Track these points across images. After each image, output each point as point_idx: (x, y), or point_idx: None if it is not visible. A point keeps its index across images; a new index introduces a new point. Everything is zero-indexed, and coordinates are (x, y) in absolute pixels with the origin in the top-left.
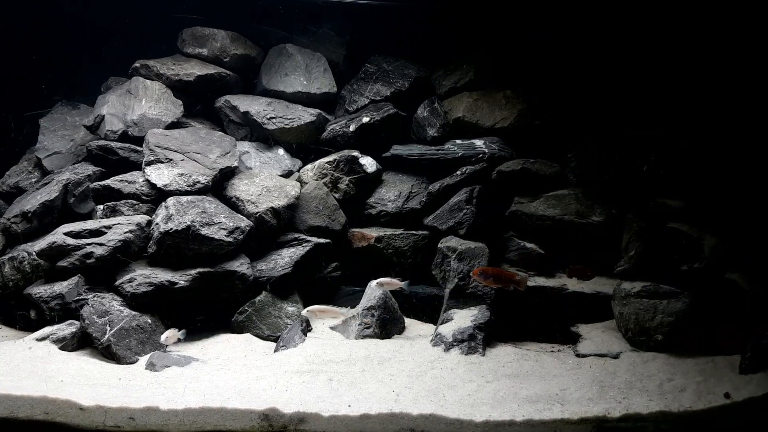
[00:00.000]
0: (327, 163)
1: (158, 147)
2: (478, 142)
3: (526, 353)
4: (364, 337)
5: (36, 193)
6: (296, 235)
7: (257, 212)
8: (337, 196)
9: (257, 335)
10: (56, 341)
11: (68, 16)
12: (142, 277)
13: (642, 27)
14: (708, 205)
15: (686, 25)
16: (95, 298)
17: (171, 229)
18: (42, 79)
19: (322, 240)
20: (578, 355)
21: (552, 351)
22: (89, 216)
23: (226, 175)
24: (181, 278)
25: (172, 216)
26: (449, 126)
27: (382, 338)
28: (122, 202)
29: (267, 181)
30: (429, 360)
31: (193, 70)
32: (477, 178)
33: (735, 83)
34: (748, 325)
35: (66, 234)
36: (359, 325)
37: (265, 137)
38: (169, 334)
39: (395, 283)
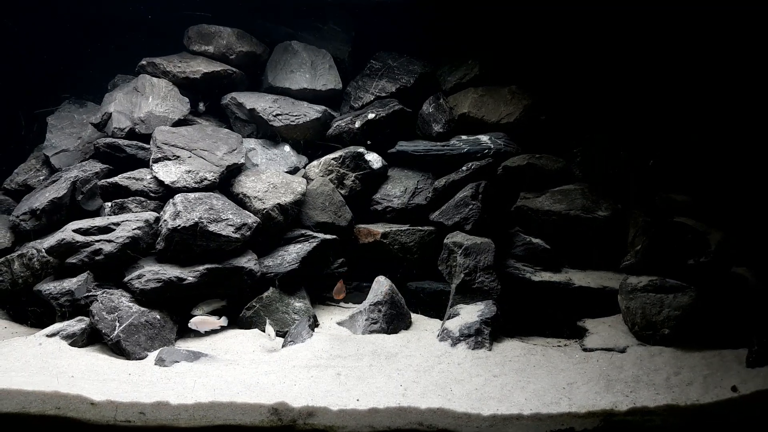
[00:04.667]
0: (333, 159)
1: (165, 144)
2: (484, 138)
3: (532, 348)
4: (371, 332)
5: (44, 190)
6: (303, 231)
7: (264, 209)
8: (343, 192)
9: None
10: (66, 337)
11: (75, 15)
12: (150, 273)
13: (649, 22)
14: (714, 199)
15: (693, 21)
16: (104, 295)
17: (179, 225)
18: (49, 77)
19: (328, 236)
20: (585, 350)
21: (559, 345)
22: (97, 213)
23: (233, 171)
24: (189, 274)
25: (179, 213)
26: (454, 122)
27: (389, 333)
28: (130, 199)
29: (273, 177)
30: (436, 355)
31: (199, 67)
32: (483, 174)
33: (743, 80)
34: (755, 318)
35: (75, 231)
36: (366, 320)
37: (271, 134)
38: (203, 321)
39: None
